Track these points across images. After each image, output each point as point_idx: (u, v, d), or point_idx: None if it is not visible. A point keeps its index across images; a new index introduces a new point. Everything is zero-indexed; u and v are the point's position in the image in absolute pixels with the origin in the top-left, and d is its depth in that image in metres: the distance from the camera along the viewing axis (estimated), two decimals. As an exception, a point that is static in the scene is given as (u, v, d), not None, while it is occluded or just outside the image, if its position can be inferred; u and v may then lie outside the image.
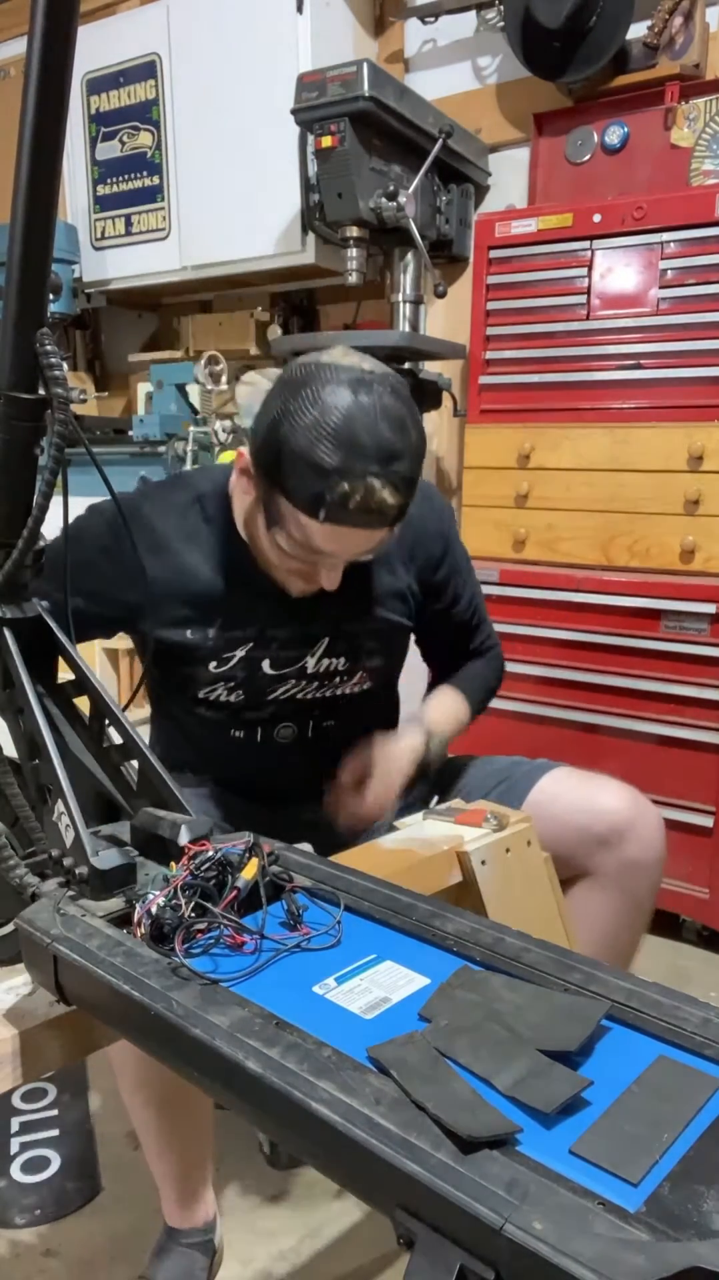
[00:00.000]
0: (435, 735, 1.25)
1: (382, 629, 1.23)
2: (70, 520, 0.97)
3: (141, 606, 1.14)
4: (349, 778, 1.20)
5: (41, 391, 0.77)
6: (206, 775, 1.25)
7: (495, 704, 1.48)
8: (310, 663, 1.20)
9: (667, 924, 2.13)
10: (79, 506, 0.88)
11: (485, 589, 1.47)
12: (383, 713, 1.33)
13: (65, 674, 0.87)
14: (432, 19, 2.65)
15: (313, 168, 2.39)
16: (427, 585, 1.27)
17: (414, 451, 1.02)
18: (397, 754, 1.21)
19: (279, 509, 1.03)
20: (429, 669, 1.42)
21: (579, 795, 1.19)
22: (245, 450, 1.08)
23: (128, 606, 1.14)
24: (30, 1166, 1.47)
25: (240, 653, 1.17)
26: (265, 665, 1.18)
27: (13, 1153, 1.50)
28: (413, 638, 1.34)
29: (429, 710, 1.31)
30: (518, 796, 1.21)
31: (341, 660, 1.21)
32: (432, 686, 1.40)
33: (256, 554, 1.15)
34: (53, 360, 0.76)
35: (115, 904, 0.72)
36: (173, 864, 0.72)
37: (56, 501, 0.84)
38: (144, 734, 1.24)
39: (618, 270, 2.09)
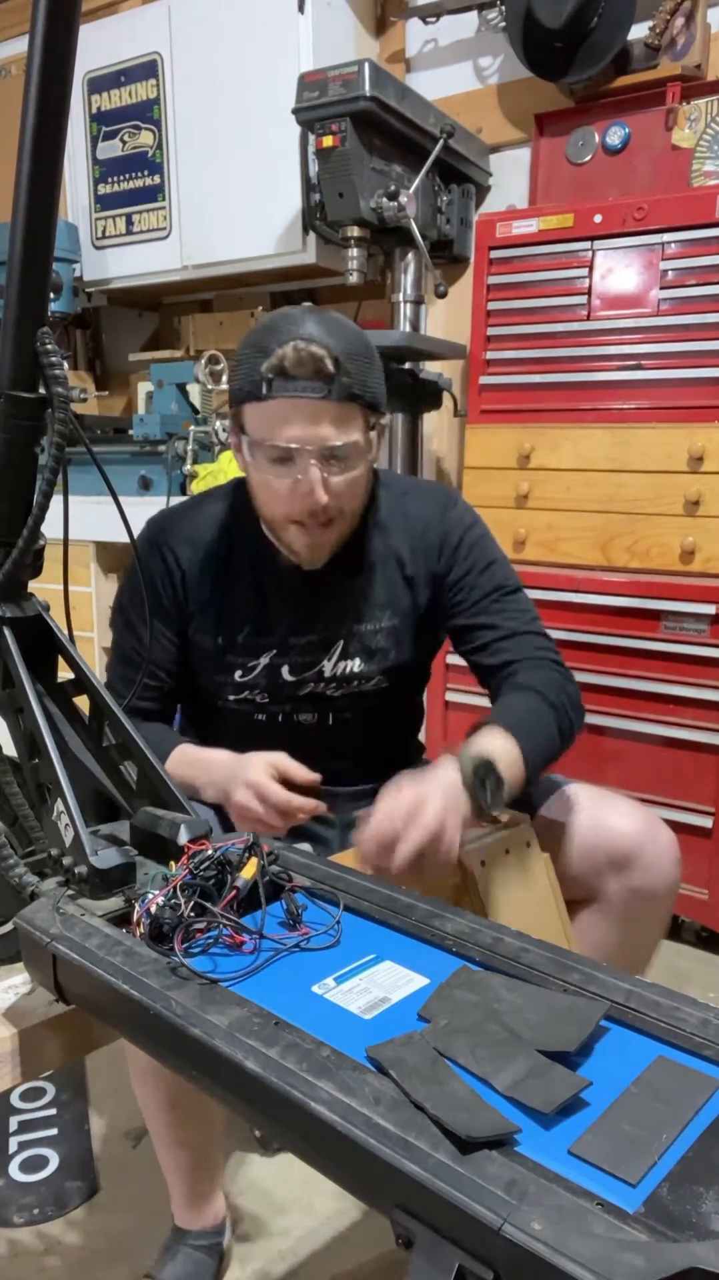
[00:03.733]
0: (478, 756, 1.00)
1: (392, 628, 1.24)
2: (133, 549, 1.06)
3: (191, 614, 1.23)
4: (373, 844, 0.93)
5: (42, 390, 0.77)
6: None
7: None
8: (327, 666, 1.23)
9: (666, 924, 2.13)
10: (79, 506, 0.88)
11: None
12: (403, 711, 1.36)
13: (65, 673, 0.87)
14: (433, 19, 2.65)
15: (314, 167, 2.39)
16: (435, 579, 1.24)
17: (342, 327, 1.09)
18: (431, 793, 0.94)
19: (243, 422, 1.12)
20: (478, 679, 1.26)
21: (589, 814, 1.13)
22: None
23: (185, 616, 1.24)
24: (29, 1165, 1.47)
25: (264, 659, 1.22)
26: (285, 671, 1.22)
27: (11, 1152, 1.50)
28: (448, 641, 1.29)
29: (473, 743, 1.05)
30: (529, 811, 1.16)
31: (356, 662, 1.24)
32: (492, 700, 1.20)
33: (265, 526, 1.19)
34: (53, 359, 0.76)
35: (114, 903, 0.72)
36: (172, 863, 0.72)
37: (56, 500, 0.84)
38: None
39: (619, 271, 2.09)
